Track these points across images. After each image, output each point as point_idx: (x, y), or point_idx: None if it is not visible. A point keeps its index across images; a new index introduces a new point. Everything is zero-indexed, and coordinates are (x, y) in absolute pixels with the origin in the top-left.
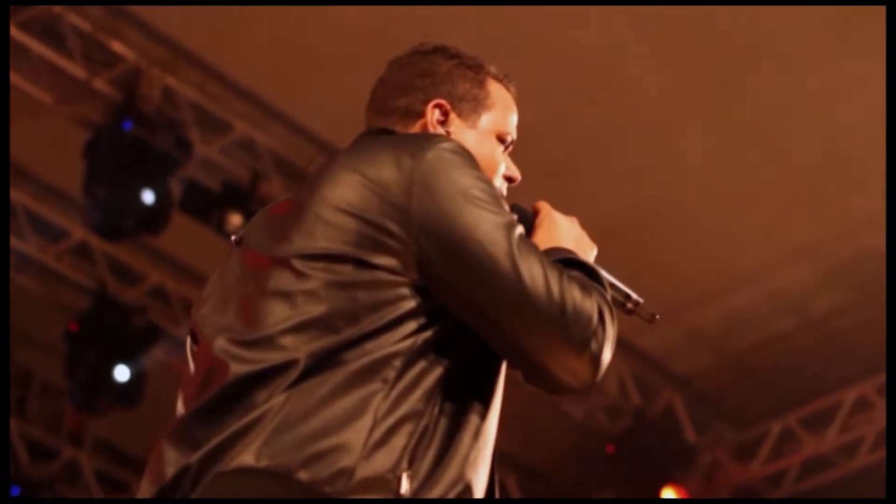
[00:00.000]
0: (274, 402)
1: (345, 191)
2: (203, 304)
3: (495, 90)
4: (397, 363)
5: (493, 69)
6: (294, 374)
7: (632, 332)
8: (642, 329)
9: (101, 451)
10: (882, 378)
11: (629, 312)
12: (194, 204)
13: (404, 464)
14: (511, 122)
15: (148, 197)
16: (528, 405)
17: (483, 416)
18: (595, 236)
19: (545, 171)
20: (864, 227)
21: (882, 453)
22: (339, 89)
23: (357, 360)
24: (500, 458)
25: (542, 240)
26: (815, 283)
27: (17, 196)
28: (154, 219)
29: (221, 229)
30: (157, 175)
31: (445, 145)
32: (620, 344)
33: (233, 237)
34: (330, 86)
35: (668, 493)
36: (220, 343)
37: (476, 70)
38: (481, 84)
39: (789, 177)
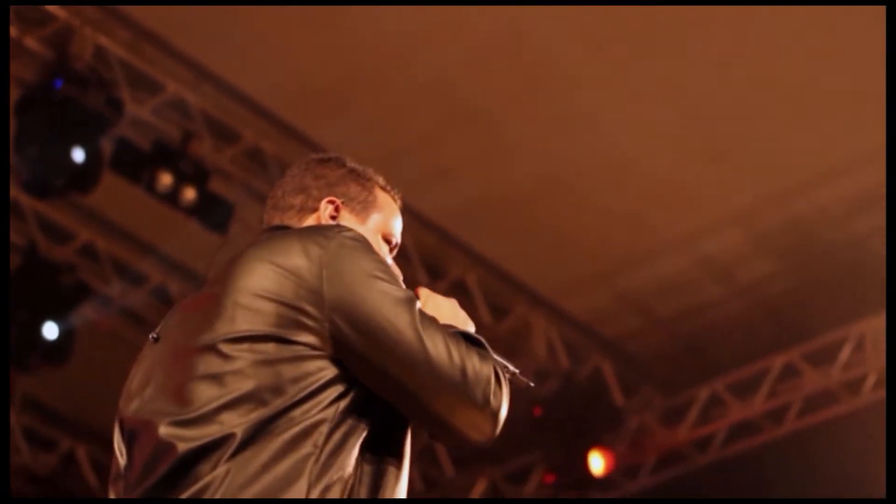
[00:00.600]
0: (217, 472)
1: (260, 279)
2: (131, 399)
3: (382, 197)
4: (324, 429)
5: (380, 181)
6: (233, 445)
7: (561, 296)
8: (572, 293)
9: (29, 409)
10: (809, 345)
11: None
12: (125, 163)
13: None
14: (395, 228)
15: (78, 155)
16: None
17: (399, 467)
18: (526, 200)
19: (471, 140)
20: (793, 194)
21: (809, 419)
22: (270, 51)
23: (288, 429)
24: None
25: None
26: (745, 250)
27: None
28: (84, 177)
29: (152, 188)
30: (88, 134)
31: (347, 234)
32: (549, 306)
33: (151, 336)
34: (261, 47)
35: (595, 456)
36: (163, 428)
37: (366, 179)
38: (370, 190)
39: (719, 143)
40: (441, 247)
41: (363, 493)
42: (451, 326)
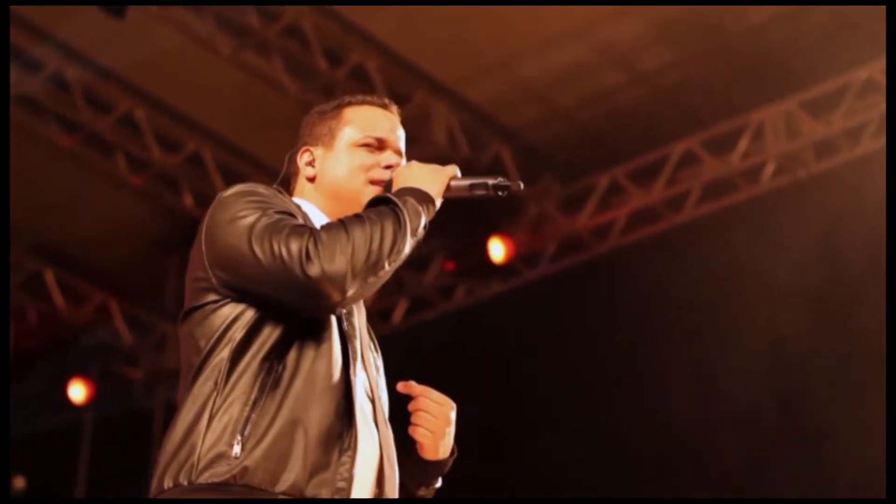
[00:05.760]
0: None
1: (190, 269)
2: None
3: (351, 113)
4: (223, 366)
5: (353, 99)
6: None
7: (460, 84)
8: (472, 81)
9: None
10: (707, 133)
11: (500, 193)
12: None
13: (237, 433)
14: (368, 128)
15: None
16: None
17: (310, 366)
18: None
19: None
20: None
21: (708, 206)
22: None
23: (197, 380)
24: None
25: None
26: (645, 38)
27: None
28: None
29: None
30: None
31: (223, 196)
32: (449, 94)
33: None
34: None
35: (495, 243)
36: None
37: (332, 108)
38: (336, 116)
39: None
40: (341, 33)
41: (271, 401)
42: (412, 190)
